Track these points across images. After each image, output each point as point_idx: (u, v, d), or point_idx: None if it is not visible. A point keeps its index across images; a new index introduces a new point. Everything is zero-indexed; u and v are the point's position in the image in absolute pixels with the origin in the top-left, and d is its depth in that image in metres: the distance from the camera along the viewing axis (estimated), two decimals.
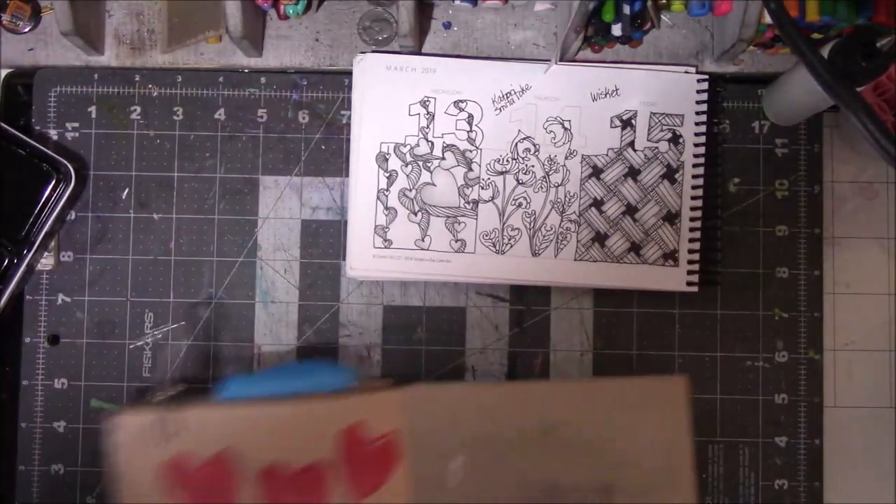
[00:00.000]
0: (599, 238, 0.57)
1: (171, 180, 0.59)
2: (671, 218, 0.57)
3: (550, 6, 0.59)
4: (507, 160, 0.57)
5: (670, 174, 0.57)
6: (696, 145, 0.57)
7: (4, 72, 0.60)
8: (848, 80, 0.43)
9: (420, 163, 0.57)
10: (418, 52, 0.58)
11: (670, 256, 0.57)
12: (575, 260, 0.57)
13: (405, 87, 0.57)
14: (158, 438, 0.51)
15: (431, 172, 0.57)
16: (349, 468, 0.53)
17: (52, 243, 0.58)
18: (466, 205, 0.57)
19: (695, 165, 0.58)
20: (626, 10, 0.56)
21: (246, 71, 0.60)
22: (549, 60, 0.58)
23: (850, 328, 0.60)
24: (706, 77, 0.58)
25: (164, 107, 0.59)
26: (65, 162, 0.56)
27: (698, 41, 0.60)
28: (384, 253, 0.57)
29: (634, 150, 0.57)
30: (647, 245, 0.57)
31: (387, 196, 0.57)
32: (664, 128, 0.57)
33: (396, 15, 0.57)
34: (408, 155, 0.57)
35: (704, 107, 0.58)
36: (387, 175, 0.57)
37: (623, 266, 0.57)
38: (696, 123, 0.58)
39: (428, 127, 0.57)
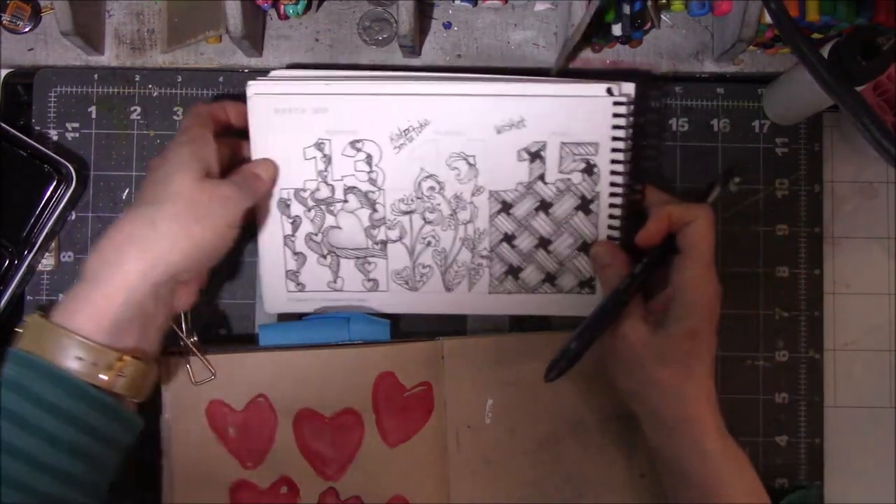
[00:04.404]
0: (513, 271, 0.56)
1: None
2: (587, 248, 0.55)
3: (550, 6, 0.59)
4: (412, 199, 0.54)
5: (584, 205, 0.54)
6: (613, 173, 0.54)
7: (4, 72, 0.60)
8: (848, 80, 0.43)
9: (323, 207, 0.55)
10: (309, 78, 0.54)
11: (587, 284, 0.56)
12: (489, 293, 0.56)
13: (297, 131, 0.53)
14: (200, 381, 0.54)
15: (336, 216, 0.55)
16: (383, 415, 0.55)
17: (53, 244, 0.58)
18: (375, 245, 0.55)
19: (612, 195, 0.54)
20: (626, 10, 0.56)
21: (246, 71, 0.60)
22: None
23: (850, 328, 0.60)
24: (622, 100, 0.53)
25: (164, 107, 0.59)
26: (65, 163, 0.56)
27: (698, 41, 0.60)
28: (299, 296, 0.56)
29: (545, 184, 0.54)
30: (562, 275, 0.56)
31: (293, 241, 0.55)
32: (576, 158, 0.53)
33: (396, 15, 0.57)
34: (309, 200, 0.54)
35: (622, 132, 0.53)
36: (290, 221, 0.55)
37: (539, 296, 0.56)
38: (613, 150, 0.53)
39: (326, 170, 0.54)
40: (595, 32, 0.57)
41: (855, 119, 0.42)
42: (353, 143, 0.54)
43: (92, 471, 0.44)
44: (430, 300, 0.56)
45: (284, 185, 0.54)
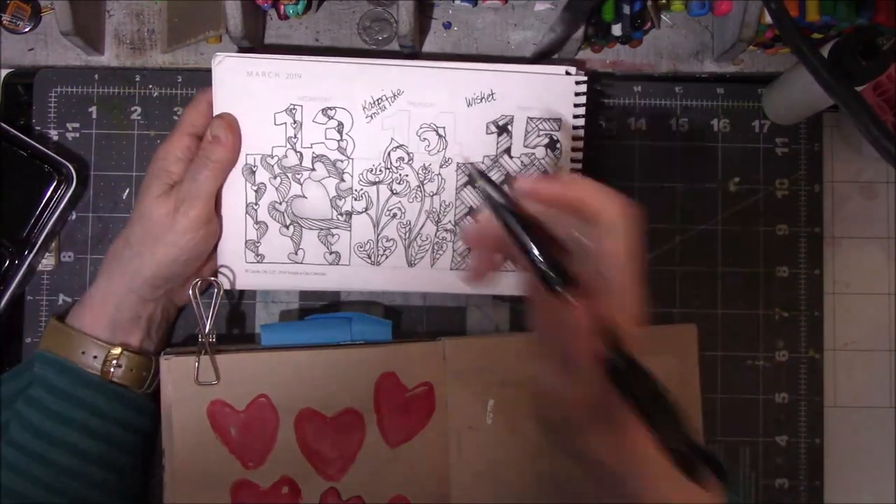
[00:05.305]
0: None
1: None
2: None
3: (550, 6, 0.59)
4: (381, 169, 0.54)
5: None
6: (574, 150, 0.55)
7: (4, 72, 0.60)
8: (848, 80, 0.43)
9: (289, 174, 0.54)
10: (283, 53, 0.54)
11: None
12: (451, 269, 0.56)
13: (269, 95, 0.53)
14: (203, 381, 0.54)
15: (302, 185, 0.54)
16: (384, 416, 0.55)
17: (53, 244, 0.58)
18: (339, 216, 0.55)
19: (572, 170, 0.55)
20: (626, 10, 0.56)
21: None
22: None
23: (850, 328, 0.60)
24: (584, 79, 0.54)
25: (165, 107, 0.59)
26: (66, 163, 0.56)
27: (698, 41, 0.60)
28: (257, 268, 0.56)
29: (511, 157, 0.55)
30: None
31: (256, 210, 0.55)
32: (541, 133, 0.55)
33: (396, 15, 0.57)
34: (276, 167, 0.54)
35: (582, 110, 0.54)
36: (255, 188, 0.54)
37: (499, 273, 0.56)
38: (575, 127, 0.55)
39: (296, 137, 0.54)
40: (595, 32, 0.57)
41: (855, 119, 0.42)
42: (324, 111, 0.54)
43: (105, 447, 0.51)
44: (392, 276, 0.56)
45: (251, 151, 0.54)
